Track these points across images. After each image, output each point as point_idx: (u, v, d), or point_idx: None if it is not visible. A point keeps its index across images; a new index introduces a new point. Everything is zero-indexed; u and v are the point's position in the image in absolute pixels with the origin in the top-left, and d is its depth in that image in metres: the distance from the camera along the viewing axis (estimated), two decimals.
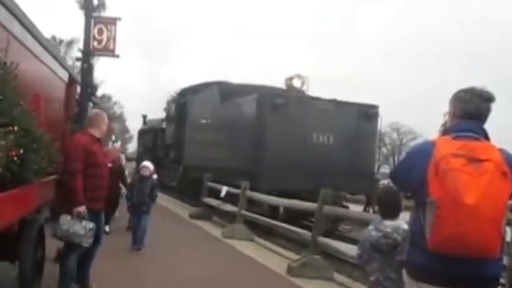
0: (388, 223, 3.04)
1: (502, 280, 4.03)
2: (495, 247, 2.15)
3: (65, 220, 4.36)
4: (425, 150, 2.31)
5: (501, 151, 2.27)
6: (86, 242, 4.43)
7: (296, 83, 12.76)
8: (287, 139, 11.31)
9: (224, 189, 11.20)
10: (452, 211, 2.12)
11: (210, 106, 15.28)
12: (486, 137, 2.34)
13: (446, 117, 2.50)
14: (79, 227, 4.36)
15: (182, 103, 18.78)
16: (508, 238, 2.66)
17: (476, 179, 2.12)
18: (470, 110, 2.39)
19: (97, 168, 4.65)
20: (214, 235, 9.72)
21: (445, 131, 2.42)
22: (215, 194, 11.84)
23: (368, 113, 12.17)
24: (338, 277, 6.59)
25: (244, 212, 9.78)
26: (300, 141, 11.34)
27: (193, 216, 12.19)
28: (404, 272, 2.48)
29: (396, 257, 2.88)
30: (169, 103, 20.45)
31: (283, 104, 11.36)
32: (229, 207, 10.84)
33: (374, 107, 12.40)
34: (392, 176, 2.62)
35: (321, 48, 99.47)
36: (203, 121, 15.59)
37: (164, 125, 22.06)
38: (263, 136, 11.55)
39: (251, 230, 9.55)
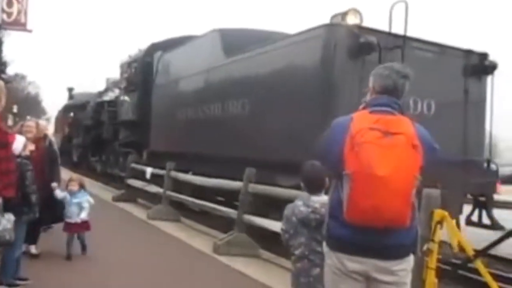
0: (316, 198, 3.12)
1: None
2: (406, 217, 2.27)
3: None
4: (343, 125, 2.38)
5: (414, 125, 2.37)
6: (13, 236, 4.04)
7: (352, 20, 7.13)
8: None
9: (149, 170, 10.99)
10: (365, 183, 2.21)
11: (205, 64, 9.95)
12: (401, 112, 2.44)
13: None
14: (5, 222, 3.90)
15: (147, 63, 13.13)
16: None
17: (388, 151, 2.21)
18: (388, 85, 2.48)
19: None
20: (139, 217, 9.53)
21: (365, 105, 2.50)
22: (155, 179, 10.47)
23: (484, 65, 7.69)
24: (264, 253, 6.72)
25: (169, 193, 9.66)
26: None
27: (117, 199, 11.86)
28: (324, 243, 2.57)
29: (322, 231, 2.96)
30: (124, 66, 14.66)
31: (372, 46, 6.51)
32: (154, 188, 10.65)
33: (484, 56, 7.73)
34: (316, 151, 2.68)
35: None
36: (189, 88, 10.79)
37: (108, 96, 17.13)
38: (334, 104, 6.52)
39: (177, 211, 9.48)
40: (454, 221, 4.12)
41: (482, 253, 4.23)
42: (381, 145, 2.22)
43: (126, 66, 14.64)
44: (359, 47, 6.52)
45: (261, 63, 8.04)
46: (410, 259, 2.45)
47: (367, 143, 2.23)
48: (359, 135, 2.26)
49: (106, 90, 18.70)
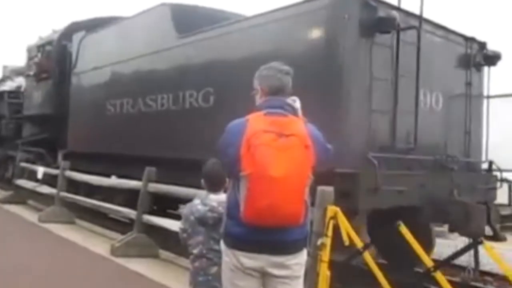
0: (214, 197, 3.13)
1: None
2: (300, 215, 2.38)
3: None
4: (239, 127, 2.43)
5: (306, 125, 2.48)
6: None
7: None
8: (381, 103, 5.49)
9: (41, 170, 10.33)
10: (261, 184, 2.28)
11: (149, 46, 8.15)
12: (294, 112, 2.53)
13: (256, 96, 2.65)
14: None
15: (64, 47, 11.15)
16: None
17: (282, 153, 2.30)
18: (275, 85, 2.57)
19: None
20: (29, 220, 8.94)
21: (257, 107, 2.57)
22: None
23: (488, 56, 6.78)
24: (164, 253, 6.61)
25: (63, 193, 9.17)
26: (408, 107, 5.67)
27: (4, 201, 11.02)
28: (221, 241, 2.60)
29: (219, 230, 2.98)
30: (33, 50, 12.40)
31: (392, 24, 5.38)
32: (46, 189, 10.04)
33: (484, 45, 6.83)
34: (217, 152, 2.70)
35: None
36: (125, 75, 8.87)
37: (7, 86, 14.70)
38: (342, 96, 5.33)
39: (73, 212, 9.02)
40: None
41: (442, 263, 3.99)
42: (276, 147, 2.30)
43: (36, 50, 12.28)
44: (377, 23, 5.33)
45: (236, 43, 6.50)
46: (304, 254, 2.57)
47: (262, 145, 2.30)
48: (255, 137, 2.32)
49: (4, 79, 16.22)
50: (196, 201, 3.17)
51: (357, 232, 4.58)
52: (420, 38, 5.70)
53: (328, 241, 3.93)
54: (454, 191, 5.72)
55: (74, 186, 9.46)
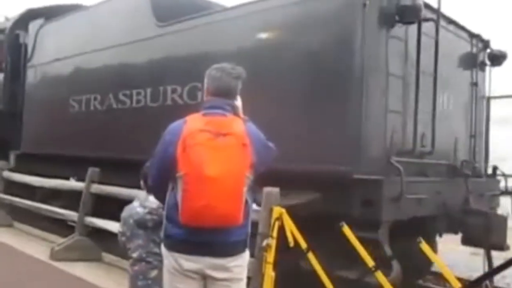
0: (153, 199, 3.03)
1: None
2: (238, 216, 2.33)
3: None
4: (177, 128, 2.40)
5: (245, 124, 2.45)
6: None
7: None
8: (398, 103, 5.07)
9: None
10: (197, 185, 2.25)
11: (124, 36, 7.19)
12: (235, 112, 2.50)
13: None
14: None
15: (17, 36, 10.06)
16: (255, 206, 2.89)
17: (218, 152, 2.27)
18: (221, 87, 2.53)
19: None
20: None
21: (199, 107, 2.53)
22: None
23: (494, 55, 6.41)
24: (107, 256, 6.41)
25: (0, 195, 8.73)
26: (424, 107, 5.24)
27: None
28: (161, 244, 2.54)
29: (160, 232, 2.89)
30: None
31: (416, 13, 4.85)
32: None
33: (487, 43, 6.46)
34: (155, 153, 2.62)
35: None
36: (93, 69, 7.79)
37: None
38: (363, 92, 4.62)
39: (10, 215, 8.60)
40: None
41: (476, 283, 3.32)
42: (212, 147, 2.27)
43: None
44: (400, 11, 4.80)
45: (227, 32, 5.71)
46: (245, 255, 2.52)
47: (198, 145, 2.27)
48: (190, 137, 2.29)
49: None
50: (135, 204, 3.08)
51: (380, 246, 4.20)
52: (438, 32, 5.20)
53: (273, 242, 3.91)
54: (470, 199, 5.39)
55: (30, 191, 8.77)
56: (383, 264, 3.83)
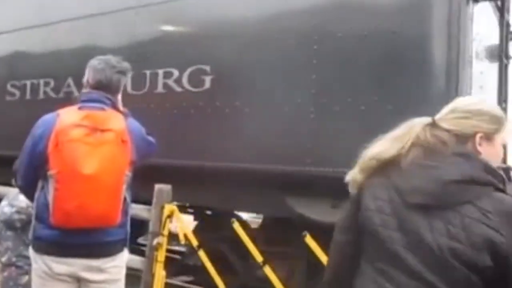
0: (23, 197, 2.81)
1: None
2: (115, 215, 2.23)
3: None
4: (48, 121, 2.24)
5: (126, 120, 2.33)
6: None
7: None
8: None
9: None
10: (70, 183, 2.12)
11: (85, 5, 5.22)
12: (114, 107, 2.37)
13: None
14: None
15: None
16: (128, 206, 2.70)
17: (95, 149, 2.15)
18: (101, 79, 2.38)
19: None
20: None
21: (76, 100, 2.38)
22: None
23: None
24: None
25: None
26: None
27: None
28: (30, 247, 2.37)
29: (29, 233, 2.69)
30: None
31: None
32: None
33: None
34: (23, 149, 2.42)
35: None
36: (41, 47, 5.63)
37: None
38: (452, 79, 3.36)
39: None
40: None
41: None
42: (88, 143, 2.15)
43: None
44: None
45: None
46: (123, 255, 2.42)
47: (72, 141, 2.14)
48: (64, 133, 2.15)
49: None
50: (3, 203, 2.84)
51: None
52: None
53: (164, 240, 3.81)
54: None
55: None
56: None
